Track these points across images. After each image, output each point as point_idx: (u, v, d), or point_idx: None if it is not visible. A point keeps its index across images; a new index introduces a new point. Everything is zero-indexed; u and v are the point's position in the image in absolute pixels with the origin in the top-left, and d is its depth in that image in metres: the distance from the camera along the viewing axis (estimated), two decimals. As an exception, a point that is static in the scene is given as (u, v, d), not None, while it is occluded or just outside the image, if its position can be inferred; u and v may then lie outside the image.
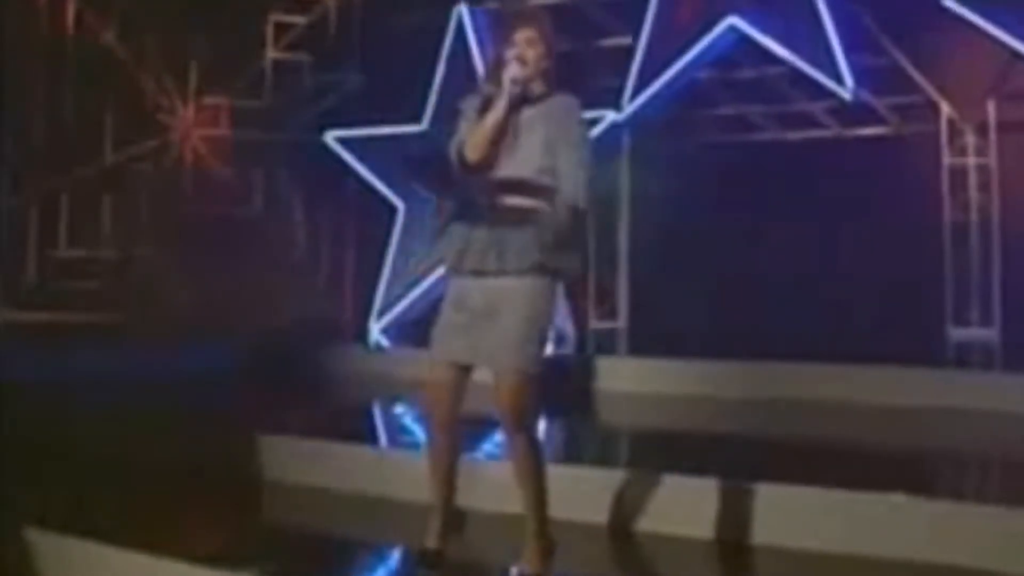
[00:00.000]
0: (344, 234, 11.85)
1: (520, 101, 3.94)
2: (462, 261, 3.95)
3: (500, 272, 3.89)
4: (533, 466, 3.98)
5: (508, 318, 3.87)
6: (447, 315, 3.99)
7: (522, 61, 3.93)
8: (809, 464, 5.41)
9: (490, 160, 3.93)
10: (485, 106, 3.97)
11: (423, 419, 4.16)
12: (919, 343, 9.03)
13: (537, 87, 3.99)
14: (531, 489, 3.98)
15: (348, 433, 6.31)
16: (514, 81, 3.90)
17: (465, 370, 3.99)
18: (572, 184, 3.89)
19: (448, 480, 4.08)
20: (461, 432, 4.11)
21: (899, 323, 9.51)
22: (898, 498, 4.41)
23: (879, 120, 10.94)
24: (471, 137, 3.95)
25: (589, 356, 8.40)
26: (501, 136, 3.92)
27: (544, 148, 3.93)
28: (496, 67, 4.00)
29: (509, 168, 3.93)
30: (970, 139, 10.09)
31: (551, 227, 3.87)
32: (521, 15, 4.03)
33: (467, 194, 4.00)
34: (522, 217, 3.90)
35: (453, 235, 4.01)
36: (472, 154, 3.93)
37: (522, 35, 3.95)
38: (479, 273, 3.92)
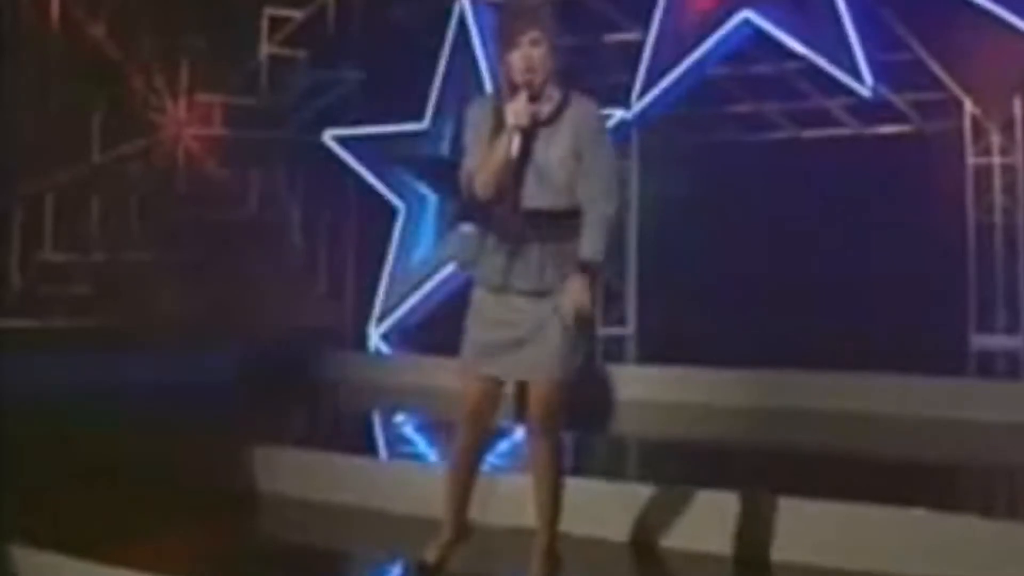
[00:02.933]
0: (343, 236, 11.84)
1: (532, 126, 3.94)
2: (510, 280, 3.96)
3: (551, 291, 3.94)
4: (554, 475, 4.05)
5: (554, 329, 3.94)
6: (486, 331, 4.02)
7: (531, 94, 3.93)
8: (826, 477, 5.40)
9: (505, 190, 3.96)
10: (497, 120, 3.97)
11: (440, 430, 4.21)
12: (941, 351, 9.01)
13: (550, 97, 3.99)
14: (547, 500, 4.05)
15: (346, 444, 6.30)
16: (518, 125, 3.91)
17: (500, 384, 4.07)
18: (607, 193, 3.97)
19: (464, 495, 4.14)
20: (487, 447, 4.20)
21: (920, 330, 9.49)
22: (920, 513, 4.41)
23: (900, 118, 10.94)
24: (479, 173, 3.98)
25: (597, 364, 8.39)
26: (514, 168, 3.94)
27: (572, 166, 3.96)
28: (504, 74, 4.01)
29: (536, 197, 3.96)
30: (995, 138, 10.07)
31: (600, 237, 3.96)
32: (523, 14, 4.02)
33: (492, 214, 4.01)
34: (563, 234, 3.95)
35: (488, 251, 4.01)
36: (483, 191, 3.98)
37: (526, 36, 3.96)
38: (525, 292, 3.96)
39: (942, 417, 6.75)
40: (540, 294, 3.95)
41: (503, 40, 4.02)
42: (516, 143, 3.91)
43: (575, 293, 3.90)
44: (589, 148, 3.97)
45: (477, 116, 4.09)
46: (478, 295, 4.06)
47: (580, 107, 4.02)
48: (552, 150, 3.95)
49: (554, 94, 4.01)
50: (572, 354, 3.98)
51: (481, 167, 3.98)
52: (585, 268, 3.93)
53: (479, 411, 4.06)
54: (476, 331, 4.05)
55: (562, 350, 3.95)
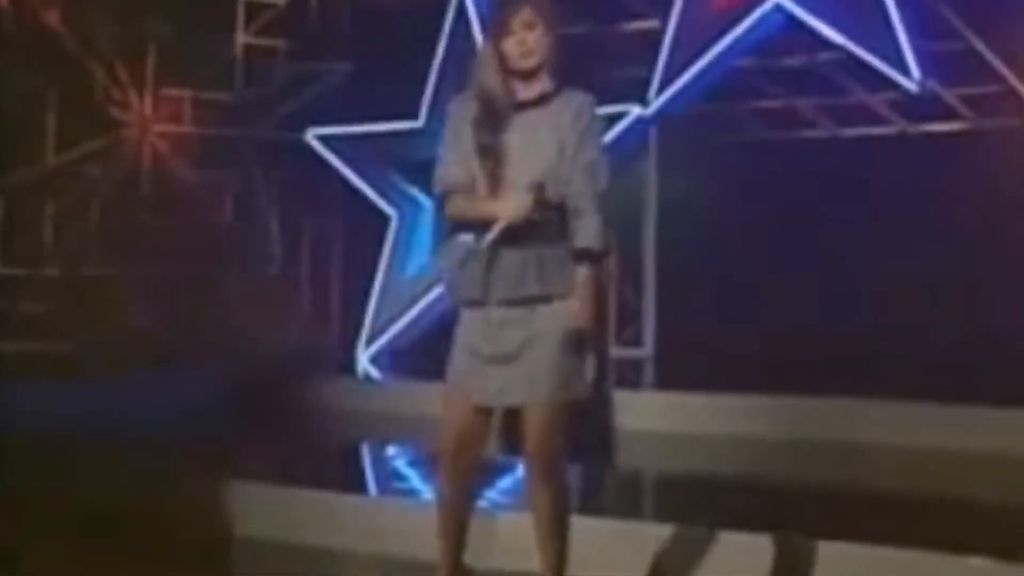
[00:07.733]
0: (328, 247, 11.86)
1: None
2: (490, 291, 3.95)
3: (543, 298, 3.93)
4: (558, 516, 4.02)
5: (549, 344, 3.91)
6: (470, 351, 4.00)
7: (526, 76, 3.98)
8: (870, 518, 5.39)
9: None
10: (481, 119, 3.98)
11: (435, 464, 4.18)
12: (1000, 378, 8.98)
13: (540, 84, 4.01)
14: (552, 543, 4.03)
15: (332, 480, 6.31)
16: (509, 219, 3.89)
17: (489, 411, 4.04)
18: (592, 175, 3.95)
19: (458, 536, 4.11)
20: (478, 482, 4.18)
21: (976, 354, 9.48)
22: (978, 562, 4.39)
23: (950, 114, 10.93)
24: (454, 199, 4.06)
25: (610, 390, 8.39)
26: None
27: (557, 158, 3.95)
28: (489, 58, 4.02)
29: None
30: (1058, 136, 10.08)
31: (594, 220, 3.94)
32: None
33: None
34: (545, 235, 3.93)
35: (468, 261, 4.00)
36: (451, 214, 4.07)
37: (517, 18, 3.98)
38: (513, 302, 3.94)
39: (1001, 452, 6.72)
40: (525, 303, 3.92)
41: (496, 28, 4.05)
42: (496, 232, 3.89)
43: (580, 289, 3.90)
44: (572, 138, 3.96)
45: (457, 112, 4.11)
46: (459, 313, 4.06)
47: (573, 97, 4.03)
48: (536, 139, 3.96)
49: (546, 82, 4.03)
50: (573, 372, 3.94)
51: (465, 207, 4.03)
52: (584, 257, 3.93)
53: (463, 443, 4.02)
54: (461, 351, 4.03)
55: (559, 367, 3.91)
